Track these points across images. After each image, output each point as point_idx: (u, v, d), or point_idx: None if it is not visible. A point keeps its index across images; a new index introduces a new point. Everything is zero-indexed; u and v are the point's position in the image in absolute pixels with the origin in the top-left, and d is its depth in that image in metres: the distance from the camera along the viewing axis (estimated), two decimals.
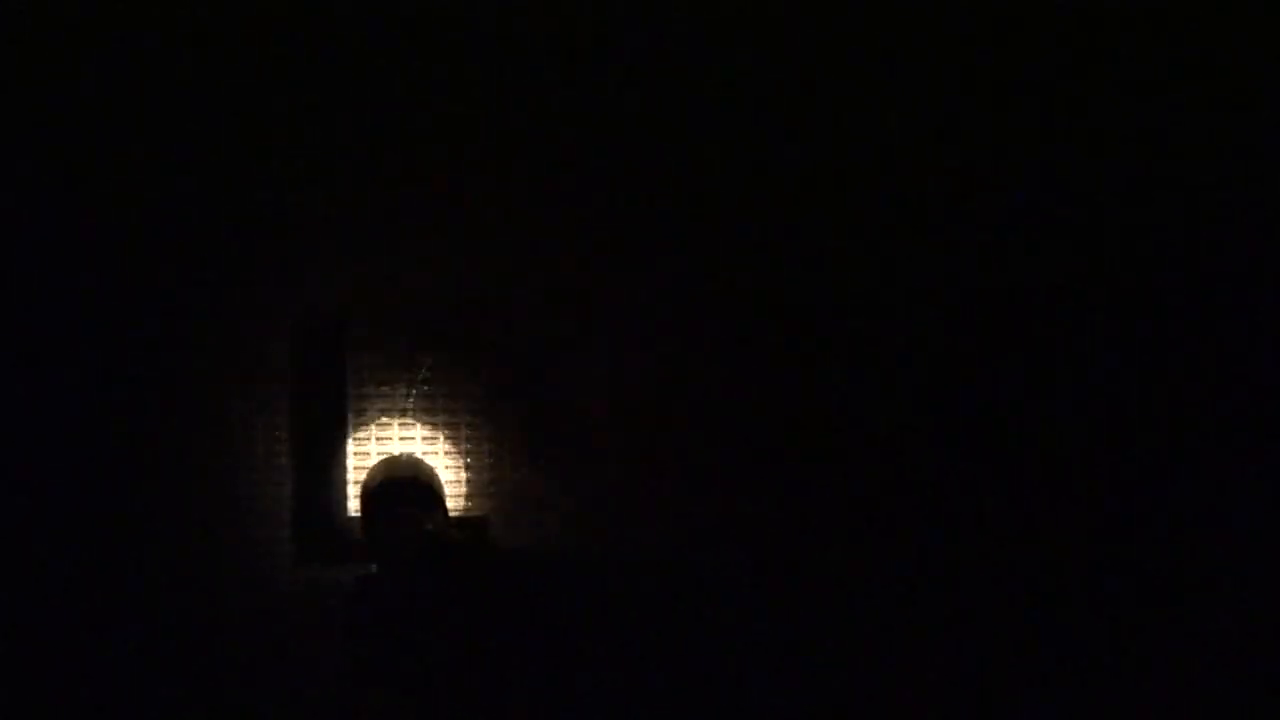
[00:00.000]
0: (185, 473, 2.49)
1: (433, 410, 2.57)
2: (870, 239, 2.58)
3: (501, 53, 2.52)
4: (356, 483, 2.54)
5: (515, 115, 2.53)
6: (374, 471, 2.46)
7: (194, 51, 2.47)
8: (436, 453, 2.57)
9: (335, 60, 2.49)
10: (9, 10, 2.42)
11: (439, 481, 2.45)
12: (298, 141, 2.51)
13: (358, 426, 2.55)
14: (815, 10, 2.54)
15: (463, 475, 2.58)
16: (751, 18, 2.53)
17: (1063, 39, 2.56)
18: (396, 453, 2.55)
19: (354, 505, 2.53)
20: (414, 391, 2.56)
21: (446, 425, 2.57)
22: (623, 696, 2.40)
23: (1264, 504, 2.53)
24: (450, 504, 2.45)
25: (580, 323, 2.57)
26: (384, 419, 2.56)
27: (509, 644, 2.03)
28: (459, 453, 2.58)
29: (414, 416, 2.57)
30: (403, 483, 2.34)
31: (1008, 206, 2.58)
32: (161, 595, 2.46)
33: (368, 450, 2.56)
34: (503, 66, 2.52)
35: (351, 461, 2.54)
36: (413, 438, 2.57)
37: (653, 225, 2.57)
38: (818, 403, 2.57)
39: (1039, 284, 2.58)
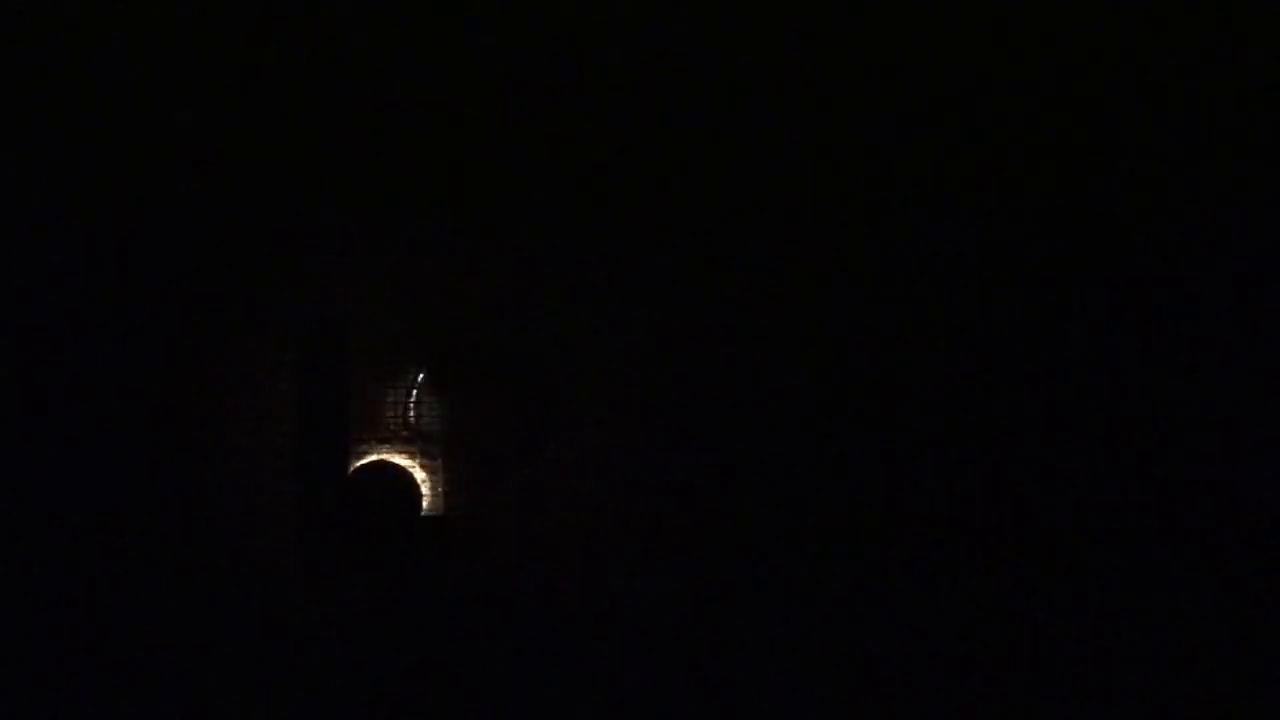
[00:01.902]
0: (187, 474, 2.50)
1: (430, 413, 2.59)
2: (872, 240, 2.59)
3: (500, 56, 2.52)
4: None
5: (515, 121, 2.54)
6: (350, 476, 2.47)
7: (196, 55, 2.48)
8: (437, 456, 2.59)
9: (337, 64, 2.50)
10: (10, 10, 2.43)
11: (413, 487, 2.44)
12: (300, 148, 2.52)
13: (358, 432, 2.57)
14: (816, 11, 2.55)
15: (458, 478, 2.60)
16: (751, 18, 2.54)
17: (1062, 38, 2.56)
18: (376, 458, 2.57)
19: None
20: (413, 394, 2.58)
21: (443, 429, 2.59)
22: (616, 699, 2.41)
23: (1264, 503, 2.53)
24: (443, 505, 2.47)
25: (580, 325, 2.58)
26: (384, 420, 2.58)
27: (491, 644, 2.03)
28: (455, 455, 2.59)
29: (414, 416, 2.58)
30: (373, 485, 2.33)
31: (1008, 207, 2.58)
32: (162, 596, 2.47)
33: (366, 451, 2.58)
34: (503, 70, 2.53)
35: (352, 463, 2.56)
36: (412, 439, 2.58)
37: (652, 228, 2.58)
38: (820, 404, 2.58)
39: (1039, 284, 2.58)
